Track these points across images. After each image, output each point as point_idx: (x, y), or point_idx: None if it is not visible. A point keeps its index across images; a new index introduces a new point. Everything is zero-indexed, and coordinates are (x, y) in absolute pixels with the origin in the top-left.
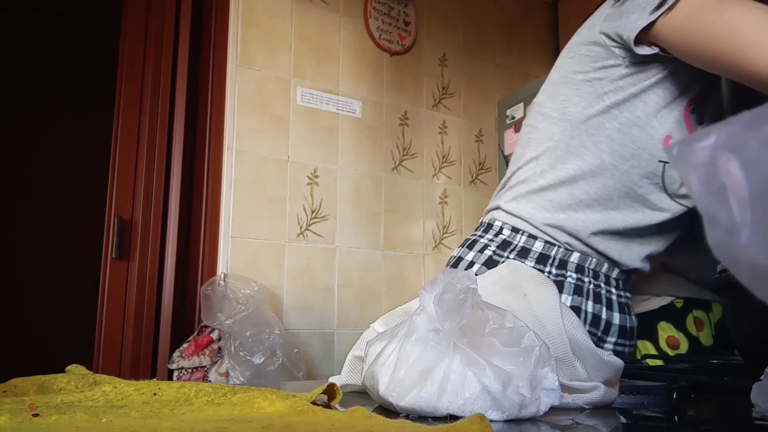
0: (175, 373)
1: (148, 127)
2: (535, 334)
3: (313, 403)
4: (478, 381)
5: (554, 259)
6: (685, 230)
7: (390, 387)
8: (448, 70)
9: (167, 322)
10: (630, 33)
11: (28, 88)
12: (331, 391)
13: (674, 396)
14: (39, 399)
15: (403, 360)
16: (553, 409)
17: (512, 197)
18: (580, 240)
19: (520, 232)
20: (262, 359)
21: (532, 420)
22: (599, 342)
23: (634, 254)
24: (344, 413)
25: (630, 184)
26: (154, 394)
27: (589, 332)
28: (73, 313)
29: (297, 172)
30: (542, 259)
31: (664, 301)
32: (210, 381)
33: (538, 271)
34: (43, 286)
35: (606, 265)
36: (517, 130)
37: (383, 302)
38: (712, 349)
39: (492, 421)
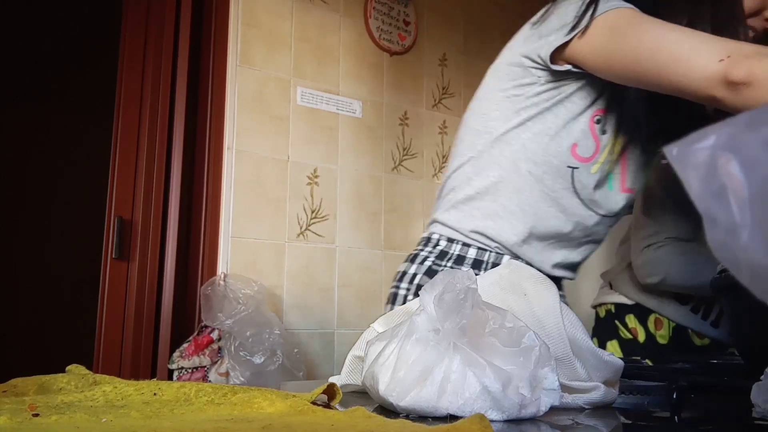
0: (175, 373)
1: (148, 127)
2: (535, 334)
3: (313, 403)
4: (478, 381)
5: (487, 263)
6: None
7: (390, 387)
8: (448, 70)
9: (167, 322)
10: (546, 52)
11: (28, 88)
12: (331, 391)
13: (674, 396)
14: (39, 399)
15: (403, 360)
16: (553, 409)
17: (445, 208)
18: (507, 246)
19: (455, 241)
20: (262, 359)
21: (532, 420)
22: None
23: (555, 260)
24: (344, 413)
25: (545, 189)
26: (154, 394)
27: None
28: (73, 313)
29: (297, 172)
30: (477, 265)
31: (631, 301)
32: (210, 381)
33: (538, 271)
34: (43, 286)
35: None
36: None
37: (383, 302)
38: (665, 348)
39: (492, 421)
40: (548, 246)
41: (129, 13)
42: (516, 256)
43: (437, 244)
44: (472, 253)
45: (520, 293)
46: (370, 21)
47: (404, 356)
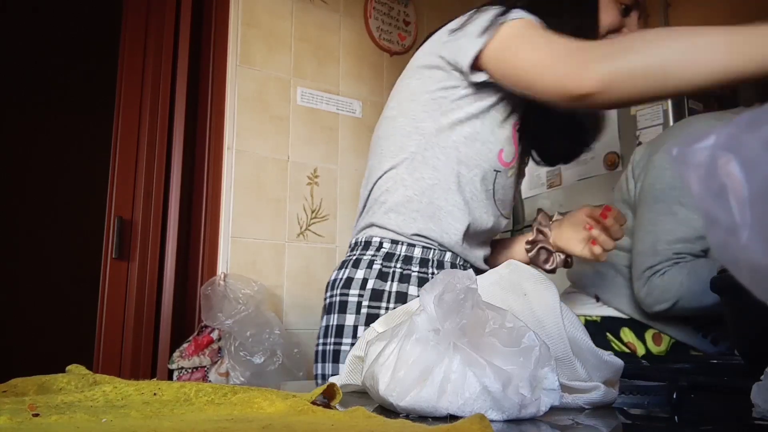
0: (175, 373)
1: (148, 127)
2: (535, 334)
3: (313, 403)
4: (478, 381)
5: (432, 260)
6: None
7: (390, 387)
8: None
9: (167, 322)
10: (463, 60)
11: (28, 88)
12: (331, 391)
13: (674, 396)
14: (39, 399)
15: (403, 360)
16: (553, 409)
17: (383, 212)
18: (449, 246)
19: (399, 242)
20: (262, 359)
21: (532, 420)
22: None
23: (483, 255)
24: (344, 413)
25: (476, 190)
26: (154, 394)
27: None
28: (73, 313)
29: (297, 172)
30: (423, 263)
31: (622, 314)
32: (210, 381)
33: (537, 271)
34: (43, 286)
35: (468, 263)
36: None
37: None
38: (664, 360)
39: (492, 421)
40: (479, 242)
41: (129, 13)
42: (456, 254)
43: (381, 247)
44: (417, 253)
45: (520, 293)
46: (370, 21)
47: (404, 356)
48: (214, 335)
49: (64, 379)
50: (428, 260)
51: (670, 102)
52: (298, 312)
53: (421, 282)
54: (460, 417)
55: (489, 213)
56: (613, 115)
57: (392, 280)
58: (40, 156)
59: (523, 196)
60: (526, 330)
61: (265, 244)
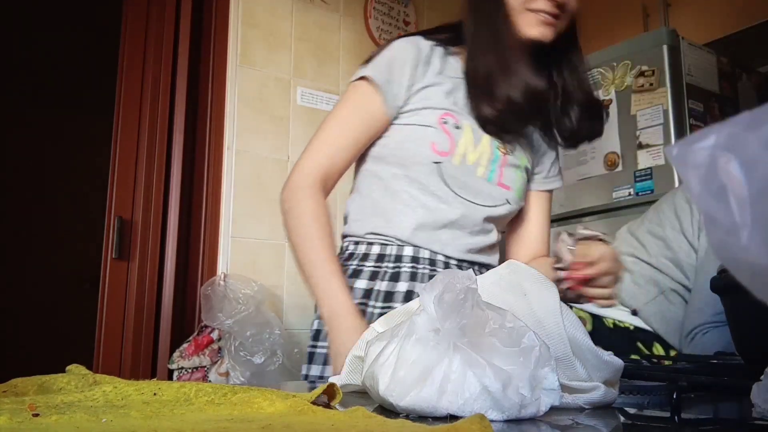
0: (175, 373)
1: (148, 127)
2: (535, 334)
3: (313, 403)
4: (478, 381)
5: (390, 255)
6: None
7: (390, 387)
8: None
9: (167, 322)
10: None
11: (28, 89)
12: (331, 391)
13: (674, 396)
14: (39, 399)
15: (403, 360)
16: (553, 409)
17: (348, 223)
18: (402, 238)
19: (359, 243)
20: (262, 359)
21: (532, 420)
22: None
23: (457, 246)
24: (344, 413)
25: (421, 185)
26: (154, 394)
27: None
28: (73, 313)
29: None
30: (380, 258)
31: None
32: (210, 381)
33: (538, 272)
34: (43, 286)
35: (440, 255)
36: None
37: None
38: None
39: (492, 421)
40: (444, 233)
41: (129, 13)
42: (418, 247)
43: (346, 250)
44: (375, 249)
45: (520, 293)
46: (370, 21)
47: (404, 356)
48: (214, 335)
49: (64, 379)
50: (384, 255)
51: (670, 102)
52: (298, 312)
53: (373, 275)
54: (460, 417)
55: (449, 203)
56: (613, 115)
57: (348, 276)
58: (41, 156)
59: None
60: (526, 330)
61: (265, 244)
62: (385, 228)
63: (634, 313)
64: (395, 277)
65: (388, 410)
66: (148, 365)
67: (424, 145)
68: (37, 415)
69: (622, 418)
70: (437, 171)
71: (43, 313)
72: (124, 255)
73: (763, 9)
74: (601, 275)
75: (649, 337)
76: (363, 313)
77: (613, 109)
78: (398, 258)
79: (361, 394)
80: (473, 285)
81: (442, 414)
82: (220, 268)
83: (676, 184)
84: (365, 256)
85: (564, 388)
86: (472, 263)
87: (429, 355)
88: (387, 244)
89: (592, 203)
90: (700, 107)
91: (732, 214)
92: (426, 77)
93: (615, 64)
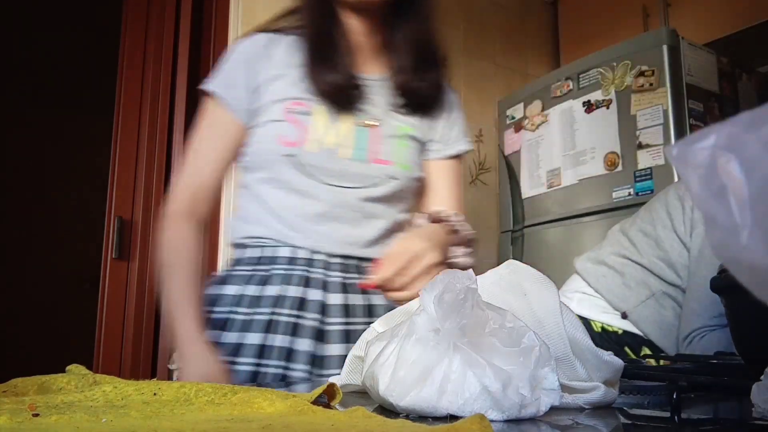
0: (175, 373)
1: (148, 127)
2: (535, 334)
3: (313, 403)
4: (478, 381)
5: (263, 257)
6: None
7: (390, 387)
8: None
9: (167, 322)
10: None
11: (27, 88)
12: (331, 391)
13: (674, 396)
14: (39, 399)
15: (403, 360)
16: (553, 409)
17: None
18: (276, 237)
19: (240, 246)
20: None
21: (532, 420)
22: (322, 325)
23: (338, 240)
24: (344, 413)
25: (279, 183)
26: (154, 394)
27: (312, 318)
28: (73, 313)
29: None
30: (257, 261)
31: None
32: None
33: (538, 271)
34: (43, 286)
35: (320, 254)
36: (517, 130)
37: None
38: None
39: (492, 421)
40: (320, 227)
41: (129, 13)
42: (296, 247)
43: (234, 258)
44: (250, 253)
45: (520, 293)
46: None
47: (404, 356)
48: None
49: (64, 379)
50: (262, 257)
51: (670, 102)
52: None
53: (245, 280)
54: (460, 417)
55: (312, 195)
56: (613, 115)
57: (216, 284)
58: (41, 156)
59: (523, 196)
60: (526, 330)
61: None
62: (255, 231)
63: (624, 316)
64: (265, 281)
65: (388, 410)
66: (148, 365)
67: (272, 140)
68: (37, 415)
69: (622, 418)
70: (293, 163)
71: (43, 313)
72: (124, 255)
73: (763, 9)
74: (398, 275)
75: (637, 341)
76: (226, 321)
77: (613, 109)
78: (272, 260)
79: (361, 394)
80: (473, 285)
81: (442, 414)
82: (220, 268)
83: None
84: (239, 261)
85: (564, 388)
86: (361, 259)
87: (429, 355)
88: (263, 246)
89: (592, 203)
90: (700, 107)
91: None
92: (267, 71)
93: (615, 64)
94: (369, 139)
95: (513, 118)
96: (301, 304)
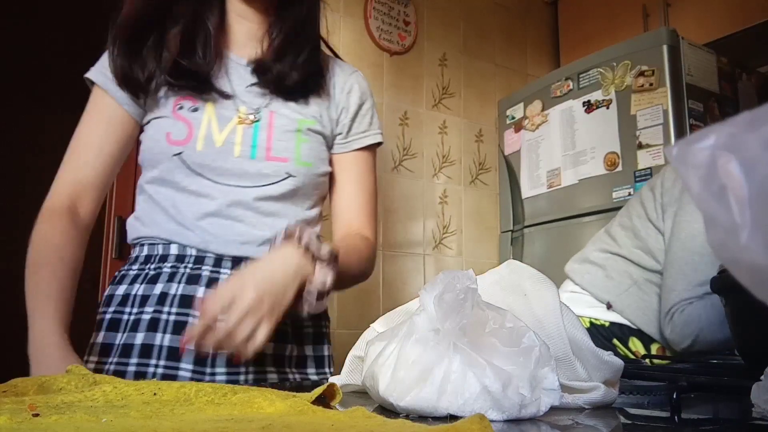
0: None
1: None
2: (535, 334)
3: (313, 403)
4: (478, 381)
5: (156, 256)
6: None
7: (390, 387)
8: (448, 70)
9: None
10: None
11: (27, 88)
12: (331, 391)
13: (674, 396)
14: (39, 399)
15: (403, 360)
16: (553, 409)
17: None
18: (167, 237)
19: (135, 245)
20: None
21: (532, 420)
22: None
23: (230, 239)
24: (344, 413)
25: (171, 184)
26: (154, 394)
27: (180, 313)
28: (73, 313)
29: None
30: (147, 260)
31: (632, 324)
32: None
33: (538, 272)
34: None
35: (210, 253)
36: (517, 130)
37: (382, 302)
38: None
39: (492, 421)
40: (210, 227)
41: None
42: (183, 245)
43: (130, 257)
44: (144, 251)
45: (520, 293)
46: (370, 21)
47: (404, 356)
48: None
49: (64, 379)
50: (152, 256)
51: (670, 102)
52: None
53: (134, 279)
54: (460, 417)
55: (203, 194)
56: (613, 115)
57: (112, 284)
58: (41, 155)
59: (523, 196)
60: (526, 330)
61: None
62: (147, 231)
63: (609, 306)
64: (153, 280)
65: (388, 410)
66: None
67: (160, 138)
68: (37, 415)
69: (622, 418)
70: (181, 162)
71: None
72: (124, 255)
73: (763, 9)
74: (217, 325)
75: (624, 332)
76: (115, 321)
77: (613, 109)
78: (162, 258)
79: (361, 394)
80: (473, 285)
81: (442, 414)
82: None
83: None
84: (135, 259)
85: (564, 388)
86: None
87: (429, 355)
88: (153, 245)
89: (592, 203)
90: (700, 107)
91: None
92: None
93: (615, 64)
94: (261, 136)
95: (513, 118)
96: (186, 301)
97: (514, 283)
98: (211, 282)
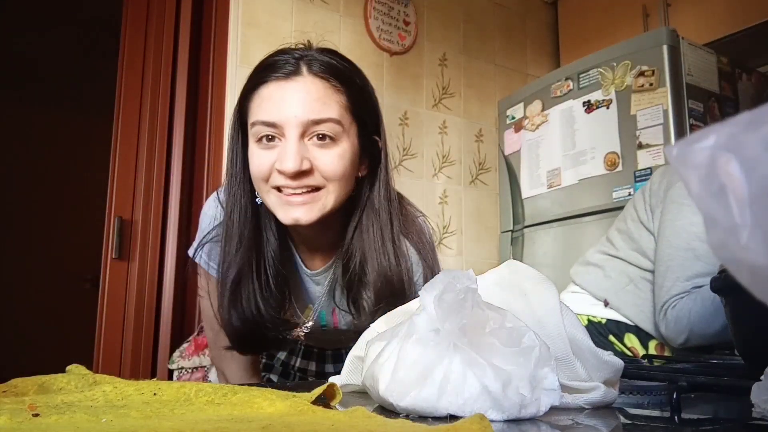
0: (175, 373)
1: (148, 127)
2: (535, 334)
3: (313, 403)
4: (478, 381)
5: None
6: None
7: (390, 387)
8: (448, 70)
9: (167, 322)
10: None
11: (28, 90)
12: (331, 391)
13: (674, 396)
14: (39, 399)
15: (403, 360)
16: (553, 409)
17: None
18: None
19: None
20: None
21: (532, 420)
22: None
23: None
24: (344, 413)
25: None
26: (154, 394)
27: None
28: (73, 313)
29: None
30: None
31: (629, 321)
32: (210, 381)
33: (537, 272)
34: (43, 286)
35: None
36: (517, 130)
37: None
38: None
39: (492, 421)
40: None
41: (129, 12)
42: None
43: None
44: None
45: (520, 293)
46: (370, 21)
47: (404, 356)
48: None
49: (64, 379)
50: None
51: (670, 102)
52: None
53: None
54: (460, 417)
55: None
56: (613, 115)
57: None
58: (41, 157)
59: (523, 196)
60: (526, 330)
61: None
62: None
63: (606, 303)
64: None
65: (388, 410)
66: (148, 365)
67: None
68: (37, 415)
69: (622, 418)
70: None
71: (43, 313)
72: (124, 255)
73: (763, 9)
74: None
75: (620, 329)
76: None
77: (613, 109)
78: None
79: (361, 394)
80: (473, 285)
81: (442, 414)
82: None
83: None
84: None
85: (564, 388)
86: None
87: (429, 355)
88: None
89: (592, 203)
90: (700, 107)
91: (732, 214)
92: None
93: (615, 64)
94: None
95: (513, 118)
96: None
97: (514, 283)
98: None
